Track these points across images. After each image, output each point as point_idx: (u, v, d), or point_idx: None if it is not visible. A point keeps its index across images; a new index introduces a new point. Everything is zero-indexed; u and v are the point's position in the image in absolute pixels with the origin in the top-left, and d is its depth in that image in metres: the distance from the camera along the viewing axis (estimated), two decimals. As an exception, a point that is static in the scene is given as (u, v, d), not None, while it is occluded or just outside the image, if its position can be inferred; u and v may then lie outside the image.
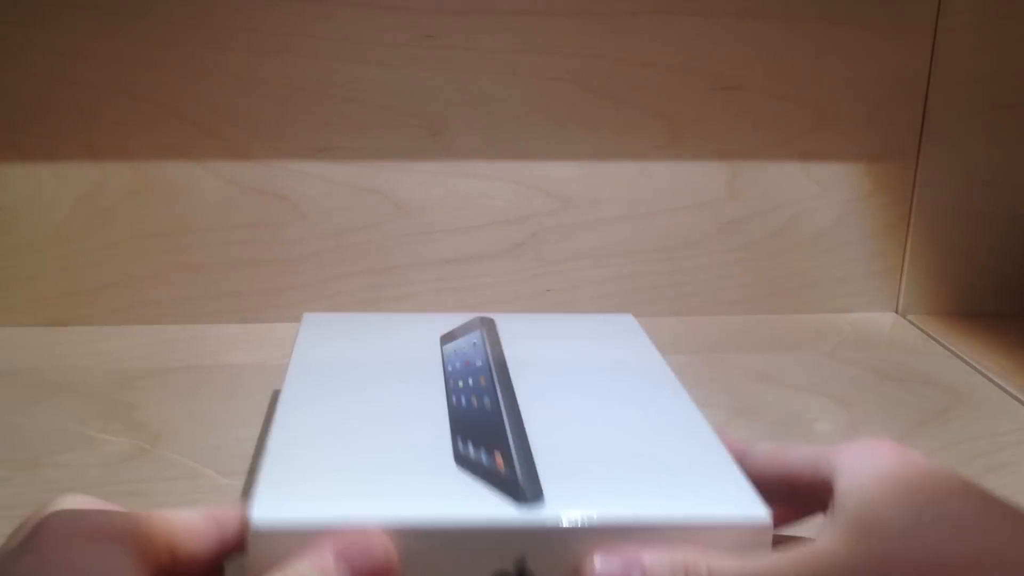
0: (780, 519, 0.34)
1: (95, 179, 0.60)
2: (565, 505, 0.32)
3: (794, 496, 0.34)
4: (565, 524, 0.31)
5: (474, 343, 0.47)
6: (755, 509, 0.32)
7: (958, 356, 0.62)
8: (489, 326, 0.50)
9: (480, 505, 0.32)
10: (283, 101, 0.60)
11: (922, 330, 0.66)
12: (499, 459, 0.35)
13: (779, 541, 0.32)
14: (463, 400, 0.40)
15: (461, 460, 0.35)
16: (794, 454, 0.34)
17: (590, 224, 0.64)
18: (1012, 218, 0.67)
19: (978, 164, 0.66)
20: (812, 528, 0.32)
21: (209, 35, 0.58)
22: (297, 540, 0.30)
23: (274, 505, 0.31)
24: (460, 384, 0.42)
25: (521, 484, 0.33)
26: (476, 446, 0.36)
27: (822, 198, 0.66)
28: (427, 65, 0.60)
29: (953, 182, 0.66)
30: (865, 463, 0.31)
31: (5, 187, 0.60)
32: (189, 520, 0.30)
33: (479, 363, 0.44)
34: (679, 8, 0.61)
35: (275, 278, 0.63)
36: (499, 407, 0.39)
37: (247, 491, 0.44)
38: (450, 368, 0.44)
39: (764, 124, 0.64)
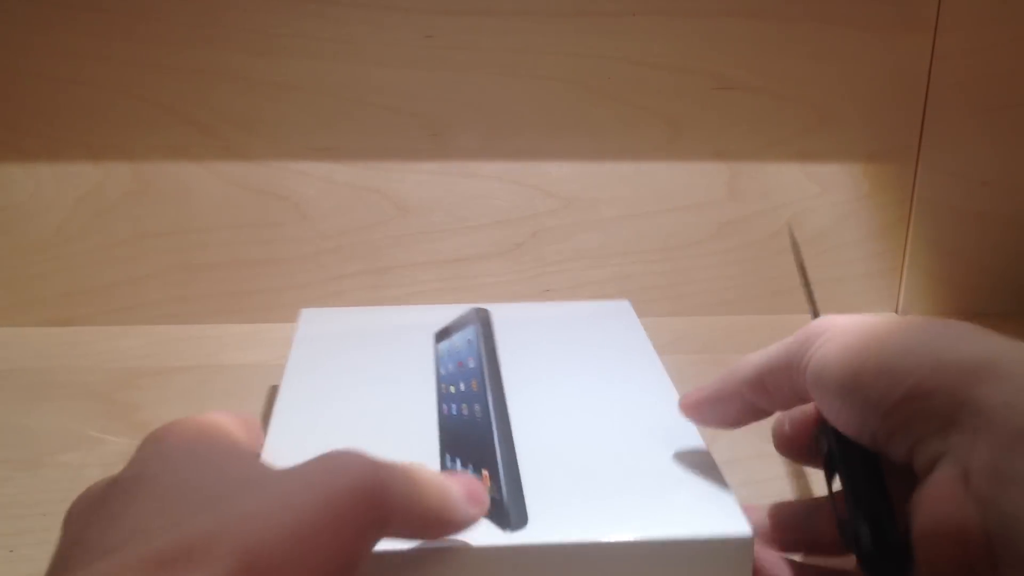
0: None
1: (95, 179, 0.60)
2: (549, 527, 0.32)
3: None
4: (547, 545, 0.32)
5: (468, 340, 0.47)
6: (737, 524, 0.32)
7: (958, 356, 0.62)
8: (484, 320, 0.50)
9: None
10: (284, 101, 0.60)
11: (922, 330, 0.66)
12: (486, 478, 0.35)
13: None
14: (453, 408, 0.40)
15: None
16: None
17: (590, 224, 0.64)
18: (1012, 218, 0.67)
19: (978, 164, 0.66)
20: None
21: (209, 35, 0.58)
22: None
23: None
24: (452, 390, 0.42)
25: (507, 506, 0.33)
26: (464, 463, 0.36)
27: (822, 198, 0.66)
28: (427, 65, 0.60)
29: (953, 182, 0.66)
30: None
31: (5, 187, 0.60)
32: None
33: (472, 364, 0.45)
34: (679, 8, 0.61)
35: (275, 278, 0.63)
36: (489, 418, 0.40)
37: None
38: (443, 371, 0.44)
39: (764, 124, 0.64)
